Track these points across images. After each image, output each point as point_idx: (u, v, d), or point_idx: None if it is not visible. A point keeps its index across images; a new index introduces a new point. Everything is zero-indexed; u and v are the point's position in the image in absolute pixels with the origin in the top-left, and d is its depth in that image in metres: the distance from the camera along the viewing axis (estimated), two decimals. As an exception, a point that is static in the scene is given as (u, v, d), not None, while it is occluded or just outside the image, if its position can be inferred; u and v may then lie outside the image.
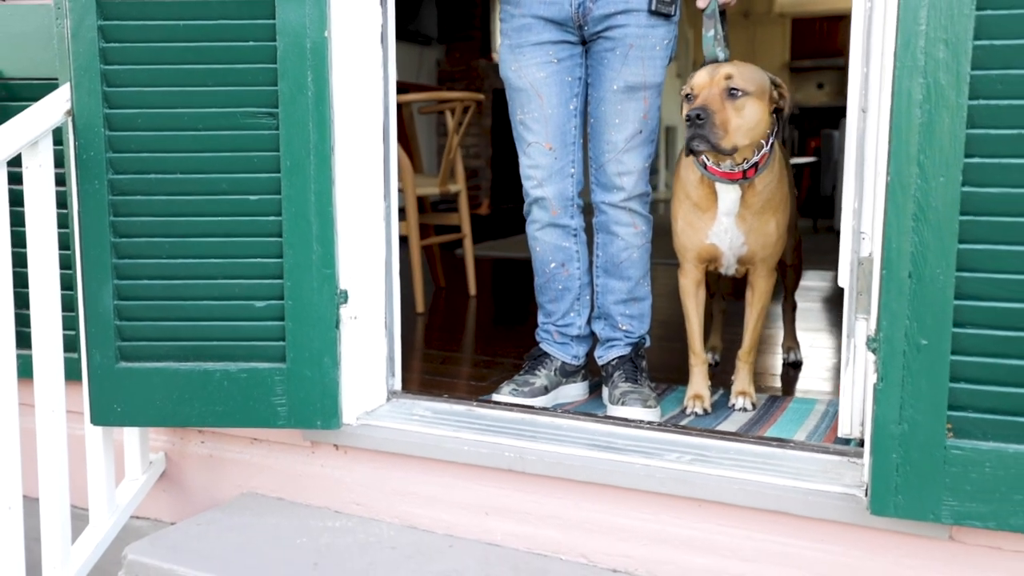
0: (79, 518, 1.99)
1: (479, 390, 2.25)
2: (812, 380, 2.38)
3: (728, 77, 1.75)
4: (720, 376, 2.36)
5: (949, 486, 1.38)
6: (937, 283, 1.36)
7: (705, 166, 1.85)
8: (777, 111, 1.84)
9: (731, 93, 1.74)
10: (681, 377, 2.17)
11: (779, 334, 2.82)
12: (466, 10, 7.98)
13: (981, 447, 1.36)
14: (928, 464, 1.39)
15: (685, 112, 1.78)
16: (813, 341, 2.85)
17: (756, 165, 1.82)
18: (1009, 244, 1.33)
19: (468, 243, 3.76)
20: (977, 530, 1.45)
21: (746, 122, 1.75)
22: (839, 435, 1.73)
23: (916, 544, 1.50)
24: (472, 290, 3.77)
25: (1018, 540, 1.43)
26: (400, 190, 3.31)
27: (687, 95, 1.81)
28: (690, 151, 1.75)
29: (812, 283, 4.01)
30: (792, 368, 2.52)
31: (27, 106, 1.98)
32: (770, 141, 1.83)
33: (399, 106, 3.62)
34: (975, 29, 1.30)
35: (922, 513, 1.40)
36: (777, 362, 2.59)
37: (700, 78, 1.79)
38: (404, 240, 3.71)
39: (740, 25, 13.38)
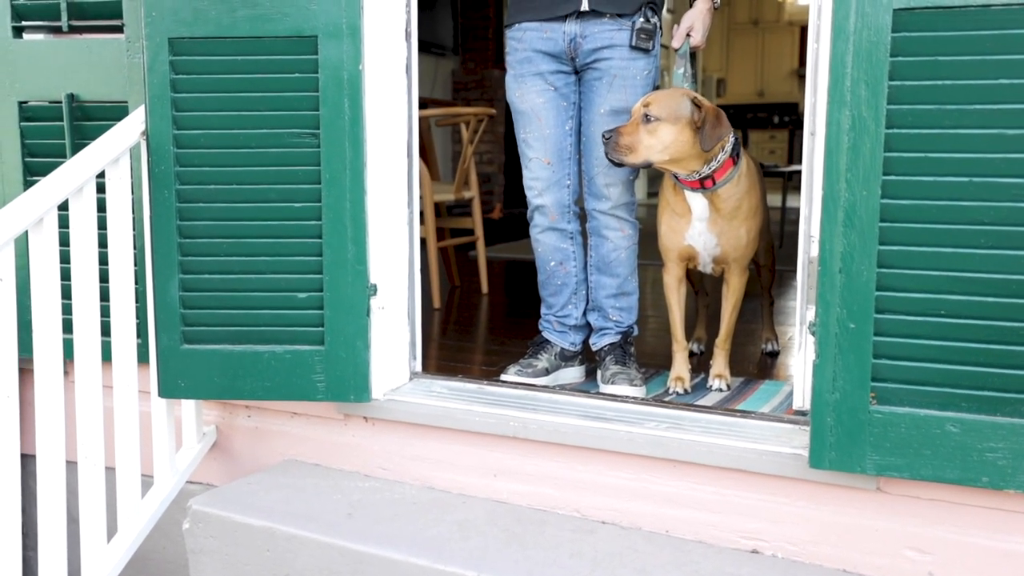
0: (144, 484, 2.31)
1: (489, 373, 2.55)
2: (786, 368, 2.68)
3: (646, 105, 2.10)
4: (704, 363, 2.66)
5: (873, 443, 1.68)
6: (862, 277, 1.66)
7: (677, 177, 2.17)
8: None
9: (645, 118, 2.09)
10: (669, 363, 2.46)
11: (762, 328, 3.11)
12: (480, 22, 8.31)
13: (898, 411, 1.67)
14: (856, 425, 1.69)
15: None
16: (794, 334, 3.14)
17: (712, 178, 2.12)
18: (918, 245, 1.63)
19: (481, 245, 4.08)
20: (900, 482, 1.75)
21: (658, 141, 2.08)
22: (795, 408, 2.03)
23: (851, 495, 1.80)
24: (484, 288, 4.08)
25: (931, 489, 1.73)
26: (419, 196, 3.62)
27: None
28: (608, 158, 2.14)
29: (801, 283, 4.29)
30: (769, 357, 2.82)
31: (100, 124, 2.33)
32: (719, 158, 2.12)
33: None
34: (889, 72, 1.60)
35: (851, 465, 1.70)
36: (757, 352, 2.89)
37: (636, 105, 2.14)
38: (422, 242, 4.02)
39: (750, 33, 13.64)
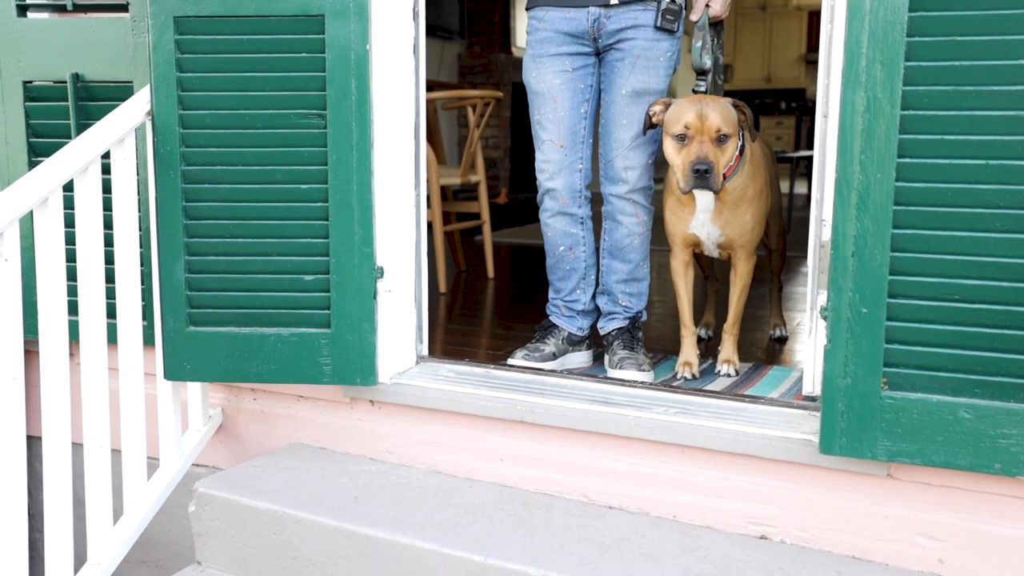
0: (150, 467, 2.31)
1: (496, 357, 2.54)
2: (795, 353, 2.66)
3: (717, 129, 2.04)
4: (712, 349, 2.65)
5: (884, 429, 1.66)
6: (875, 261, 1.64)
7: None
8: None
9: (721, 138, 2.05)
10: (677, 349, 2.45)
11: (770, 313, 3.09)
12: (487, 5, 8.25)
13: (910, 397, 1.65)
14: (867, 411, 1.67)
15: (683, 156, 2.06)
16: (803, 320, 3.12)
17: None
18: (933, 229, 1.61)
19: (487, 230, 4.06)
20: (910, 467, 1.73)
21: (727, 157, 2.07)
22: (804, 393, 2.01)
23: (861, 481, 1.79)
24: (491, 273, 4.07)
25: (942, 475, 1.71)
26: (426, 180, 3.60)
27: (680, 134, 2.07)
28: (689, 190, 2.06)
29: (809, 269, 4.27)
30: (778, 343, 2.80)
31: (105, 104, 2.32)
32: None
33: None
34: (906, 52, 1.58)
35: (862, 451, 1.68)
36: (765, 337, 2.87)
37: (691, 119, 2.04)
38: (428, 226, 4.00)
39: (757, 18, 13.55)
